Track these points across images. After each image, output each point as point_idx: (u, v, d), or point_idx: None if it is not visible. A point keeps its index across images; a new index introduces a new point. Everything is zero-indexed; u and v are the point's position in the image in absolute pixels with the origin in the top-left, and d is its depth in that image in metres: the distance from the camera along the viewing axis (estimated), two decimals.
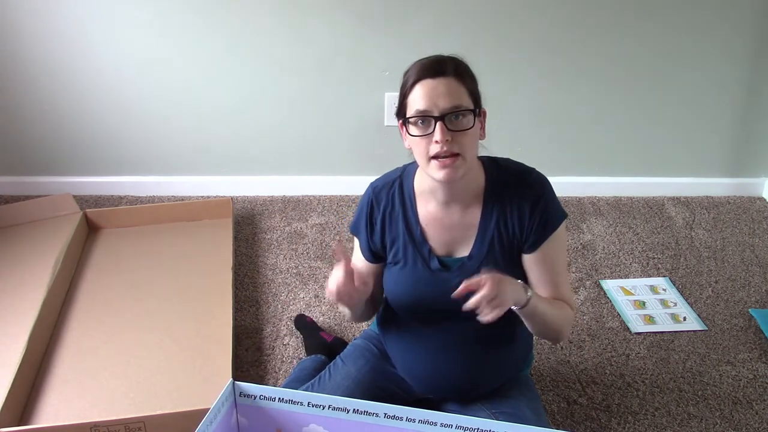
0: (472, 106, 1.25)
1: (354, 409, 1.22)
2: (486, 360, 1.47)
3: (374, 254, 1.45)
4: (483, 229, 1.36)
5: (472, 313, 1.41)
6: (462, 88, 1.24)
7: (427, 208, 1.39)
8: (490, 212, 1.36)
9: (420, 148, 1.26)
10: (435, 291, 1.40)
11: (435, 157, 1.24)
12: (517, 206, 1.34)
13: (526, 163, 1.43)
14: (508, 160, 1.42)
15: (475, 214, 1.37)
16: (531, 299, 1.28)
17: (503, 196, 1.35)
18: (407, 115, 1.27)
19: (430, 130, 1.23)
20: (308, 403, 1.24)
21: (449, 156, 1.23)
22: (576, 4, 2.47)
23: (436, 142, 1.22)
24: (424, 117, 1.23)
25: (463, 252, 1.39)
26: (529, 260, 1.38)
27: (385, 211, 1.41)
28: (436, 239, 1.39)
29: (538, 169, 1.40)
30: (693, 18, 2.51)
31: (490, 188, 1.36)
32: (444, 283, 1.37)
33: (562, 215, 1.38)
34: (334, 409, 1.23)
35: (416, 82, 1.24)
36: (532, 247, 1.36)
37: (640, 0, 2.47)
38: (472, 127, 1.25)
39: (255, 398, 1.27)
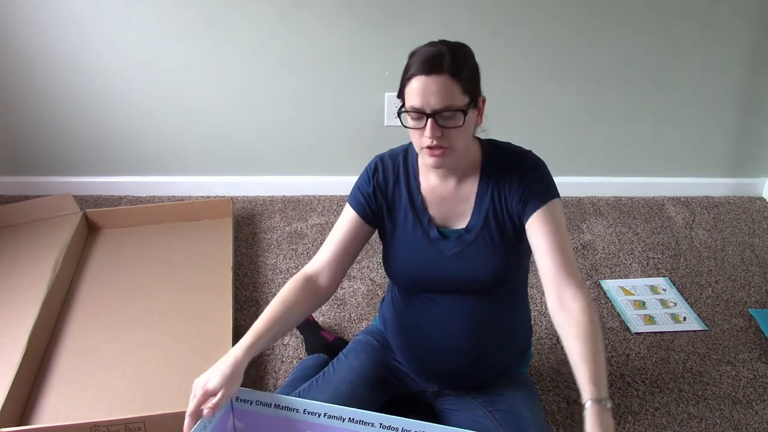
0: (464, 105, 1.28)
1: (349, 418, 1.22)
2: (485, 341, 1.48)
3: (371, 215, 1.47)
4: (479, 202, 1.41)
5: (471, 288, 1.43)
6: (456, 87, 1.26)
7: (428, 180, 1.45)
8: (486, 186, 1.41)
9: (414, 138, 1.34)
10: (433, 261, 1.43)
11: (426, 147, 1.31)
12: (509, 179, 1.39)
13: None
14: (509, 143, 1.48)
15: (472, 188, 1.42)
16: (606, 396, 1.19)
17: (499, 172, 1.40)
18: (403, 107, 1.32)
19: (422, 124, 1.29)
20: (304, 411, 1.24)
21: (438, 147, 1.30)
22: (577, 3, 2.47)
23: (427, 137, 1.28)
24: (417, 113, 1.28)
25: (461, 224, 1.43)
26: (531, 227, 1.36)
27: (391, 176, 1.47)
28: (435, 210, 1.44)
29: None
30: (694, 18, 2.51)
31: (487, 164, 1.42)
32: (441, 253, 1.42)
33: (555, 191, 1.39)
34: (329, 417, 1.23)
35: (413, 75, 1.28)
36: (530, 211, 1.36)
37: (641, 0, 2.47)
38: (462, 125, 1.29)
39: (252, 403, 1.27)
